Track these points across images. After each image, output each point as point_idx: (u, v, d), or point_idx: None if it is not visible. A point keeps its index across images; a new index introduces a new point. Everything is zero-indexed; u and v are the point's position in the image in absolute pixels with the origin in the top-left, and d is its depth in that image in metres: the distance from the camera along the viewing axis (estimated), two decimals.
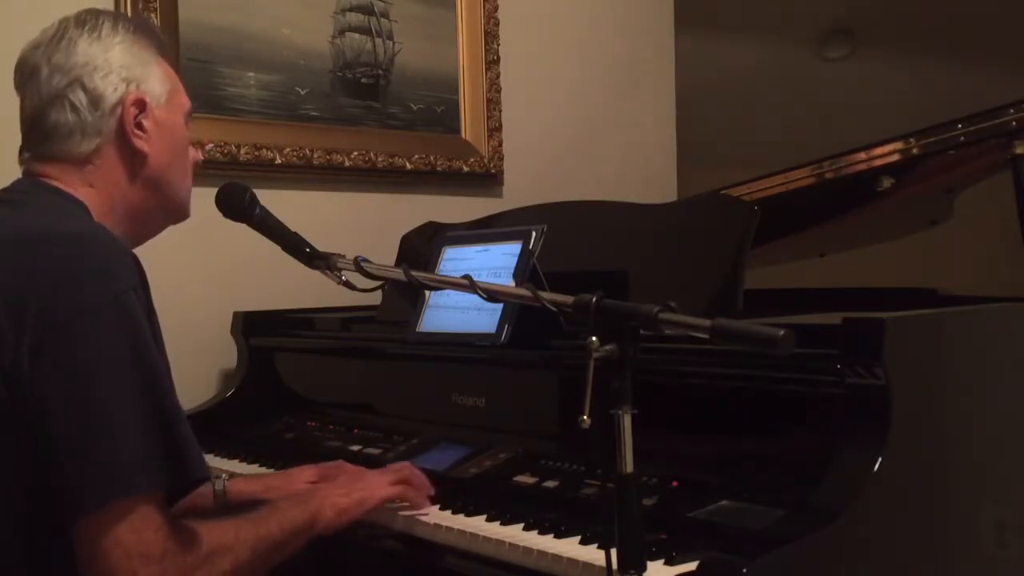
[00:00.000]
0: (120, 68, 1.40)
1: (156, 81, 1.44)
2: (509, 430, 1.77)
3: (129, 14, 2.29)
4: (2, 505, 1.21)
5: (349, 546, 1.62)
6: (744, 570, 1.12)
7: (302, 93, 2.58)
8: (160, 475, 1.21)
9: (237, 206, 1.69)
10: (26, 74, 1.41)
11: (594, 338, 1.10)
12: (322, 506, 1.46)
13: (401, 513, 1.56)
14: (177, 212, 1.53)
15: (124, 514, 1.18)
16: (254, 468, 1.94)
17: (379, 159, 2.69)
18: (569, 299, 1.22)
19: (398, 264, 2.15)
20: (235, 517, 1.39)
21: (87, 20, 1.42)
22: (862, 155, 2.08)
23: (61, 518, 1.19)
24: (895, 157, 2.03)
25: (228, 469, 1.94)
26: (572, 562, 1.30)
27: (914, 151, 2.01)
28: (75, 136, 1.38)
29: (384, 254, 2.10)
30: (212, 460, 2.00)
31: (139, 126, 1.41)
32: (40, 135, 1.39)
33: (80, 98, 1.38)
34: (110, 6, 2.31)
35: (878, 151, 2.06)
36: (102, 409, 1.19)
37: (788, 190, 2.19)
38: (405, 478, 1.59)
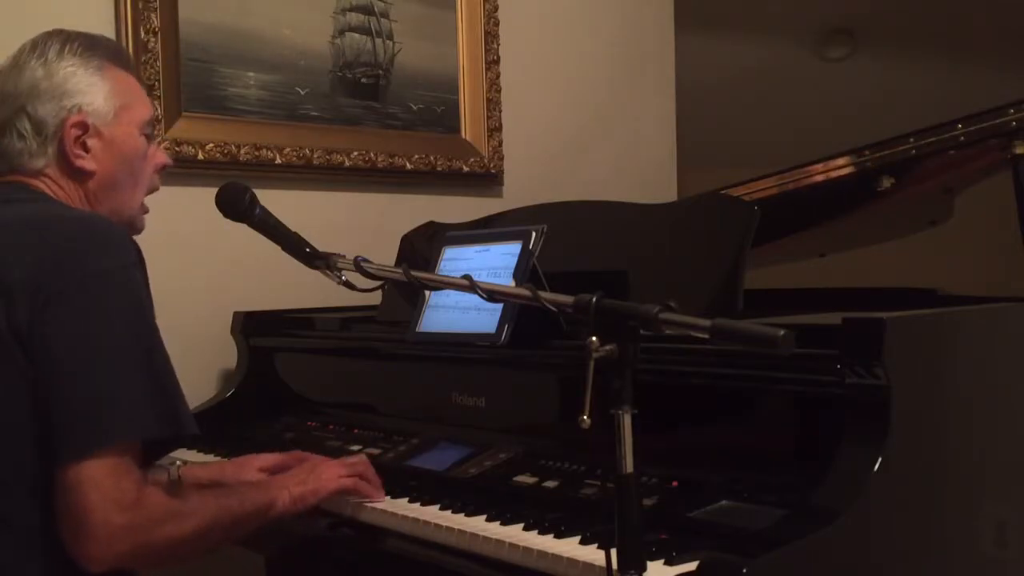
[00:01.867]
0: (61, 95, 1.49)
1: (103, 99, 1.51)
2: (509, 430, 1.77)
3: (129, 14, 2.30)
4: (14, 454, 1.32)
5: (349, 546, 1.62)
6: (744, 570, 1.12)
7: (302, 93, 2.58)
8: (148, 425, 1.33)
9: (237, 206, 1.69)
10: None
11: (594, 338, 1.10)
12: (280, 493, 1.55)
13: (402, 514, 1.56)
14: (129, 225, 1.59)
15: (107, 461, 1.29)
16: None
17: (379, 159, 2.69)
18: (569, 299, 1.22)
19: (398, 264, 2.14)
20: (202, 490, 1.53)
21: (38, 44, 1.52)
22: (861, 155, 2.08)
23: (52, 461, 1.29)
24: (895, 157, 2.03)
25: None
26: (572, 562, 1.30)
27: (914, 151, 2.01)
28: (24, 156, 1.49)
29: (384, 254, 2.10)
30: (212, 460, 2.00)
31: (83, 146, 1.50)
32: (3, 152, 1.50)
33: (25, 125, 1.48)
34: (109, 7, 2.31)
35: (875, 152, 2.06)
36: (100, 361, 1.31)
37: (788, 190, 2.19)
38: (360, 472, 1.65)
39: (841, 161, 2.12)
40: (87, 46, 1.53)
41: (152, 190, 1.63)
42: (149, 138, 1.60)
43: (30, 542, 1.33)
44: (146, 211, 1.63)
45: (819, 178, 2.15)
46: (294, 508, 1.56)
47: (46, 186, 1.51)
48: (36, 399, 1.31)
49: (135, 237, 1.59)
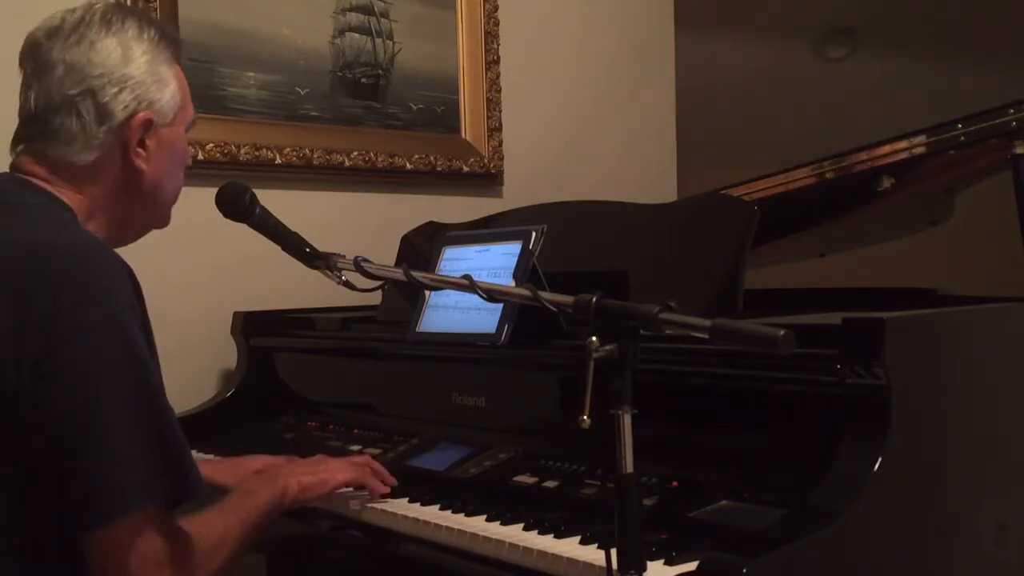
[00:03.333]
0: (135, 85, 1.37)
1: (168, 99, 1.42)
2: (509, 430, 1.77)
3: None
4: (4, 530, 1.22)
5: (350, 546, 1.62)
6: (744, 570, 1.12)
7: (302, 93, 2.58)
8: (163, 486, 1.25)
9: (237, 206, 1.69)
10: (39, 65, 1.37)
11: (594, 338, 1.10)
12: (289, 481, 1.54)
13: (402, 514, 1.56)
14: (159, 221, 1.54)
15: (137, 524, 1.22)
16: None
17: (379, 159, 2.69)
18: (569, 299, 1.22)
19: (398, 264, 2.15)
20: (216, 507, 1.43)
21: (113, 20, 1.38)
22: (863, 155, 2.08)
23: (68, 534, 1.21)
24: (896, 157, 2.03)
25: None
26: (572, 562, 1.30)
27: (914, 151, 2.01)
28: (76, 145, 1.36)
29: (384, 254, 2.10)
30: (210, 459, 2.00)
31: (142, 144, 1.40)
32: (40, 134, 1.37)
33: (88, 108, 1.35)
34: None
35: (879, 151, 2.06)
36: (107, 428, 1.20)
37: (788, 190, 2.19)
38: (366, 470, 1.65)
39: (838, 162, 2.12)
40: (161, 34, 1.43)
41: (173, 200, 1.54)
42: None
43: None
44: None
45: (818, 178, 2.15)
46: (302, 497, 1.56)
47: (74, 186, 1.38)
48: (30, 468, 1.21)
49: (160, 230, 1.54)
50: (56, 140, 1.36)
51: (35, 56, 1.38)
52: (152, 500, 1.24)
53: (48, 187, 1.37)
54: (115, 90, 1.36)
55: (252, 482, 1.57)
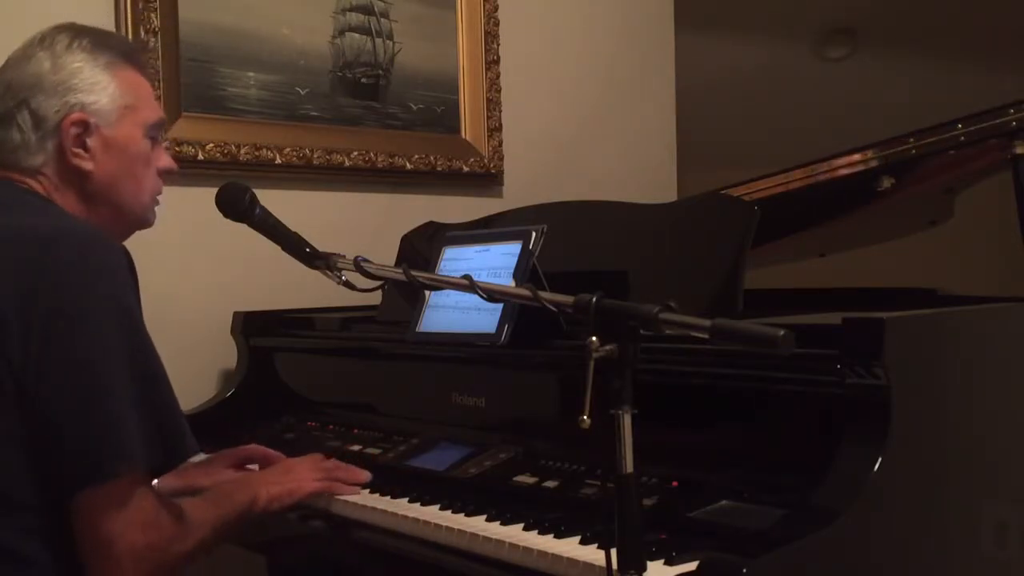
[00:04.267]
0: (64, 90, 1.45)
1: (108, 98, 1.48)
2: (509, 430, 1.77)
3: (129, 14, 2.30)
4: (8, 488, 1.30)
5: (350, 546, 1.62)
6: (744, 570, 1.12)
7: (302, 93, 2.58)
8: (156, 452, 1.34)
9: (237, 206, 1.69)
10: None
11: (594, 338, 1.10)
12: (259, 491, 1.59)
13: (402, 514, 1.56)
14: (135, 224, 1.58)
15: (124, 487, 1.30)
16: (254, 468, 1.94)
17: (379, 159, 2.69)
18: (569, 299, 1.22)
19: (398, 264, 2.15)
20: (196, 499, 1.55)
21: (47, 37, 1.48)
22: (861, 155, 2.08)
23: (60, 494, 1.30)
24: (896, 156, 2.03)
25: None
26: (572, 562, 1.30)
27: (913, 151, 2.01)
28: (20, 152, 1.45)
29: (384, 254, 2.10)
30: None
31: (82, 145, 1.46)
32: None
33: (25, 118, 1.45)
34: (109, 7, 2.31)
35: (877, 151, 2.06)
36: (105, 395, 1.29)
37: (788, 190, 2.19)
38: (333, 476, 1.70)
39: (838, 161, 2.12)
40: (97, 42, 1.49)
41: (156, 193, 1.59)
42: (155, 141, 1.56)
43: (35, 571, 1.31)
44: (156, 204, 1.60)
45: (818, 178, 2.15)
46: (270, 507, 1.60)
47: (40, 185, 1.47)
48: (31, 432, 1.28)
49: (145, 231, 1.60)
50: (5, 150, 1.46)
51: None
52: (141, 465, 1.32)
53: (33, 185, 1.47)
54: (43, 97, 1.44)
55: (228, 485, 1.66)
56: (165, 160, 1.59)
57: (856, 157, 2.09)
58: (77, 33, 1.49)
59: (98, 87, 1.47)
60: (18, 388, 1.27)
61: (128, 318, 1.33)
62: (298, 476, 1.66)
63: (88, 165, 1.47)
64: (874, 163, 2.06)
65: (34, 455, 1.29)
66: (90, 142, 1.47)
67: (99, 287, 1.31)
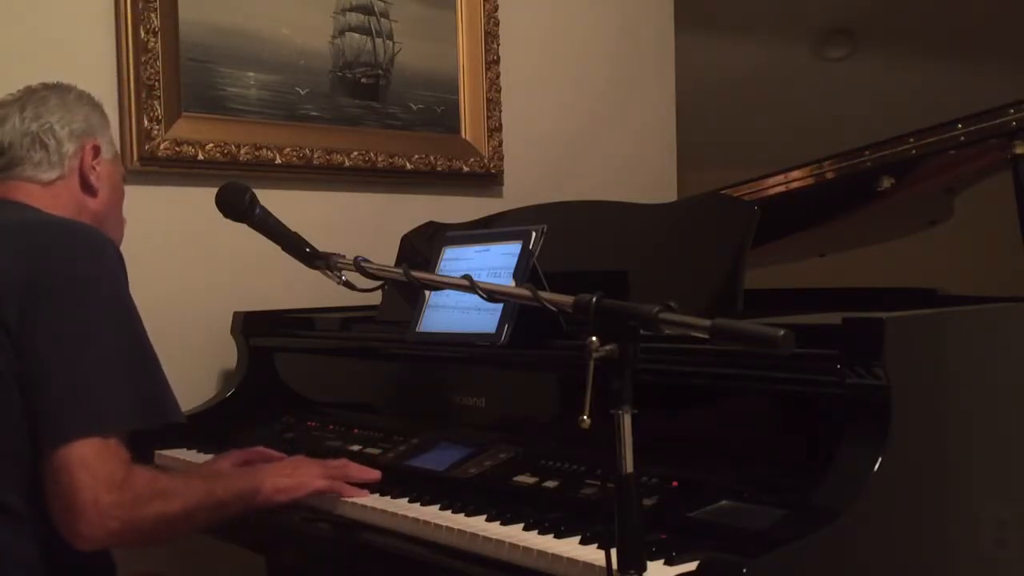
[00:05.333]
0: (80, 123, 1.69)
1: (107, 141, 1.74)
2: (509, 430, 1.77)
3: (129, 14, 2.30)
4: (6, 443, 1.41)
5: (350, 546, 1.62)
6: (744, 570, 1.11)
7: (302, 93, 2.58)
8: (133, 414, 1.44)
9: (237, 206, 1.69)
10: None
11: (594, 338, 1.10)
12: (264, 482, 1.62)
13: (402, 514, 1.56)
14: None
15: (95, 443, 1.38)
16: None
17: (379, 159, 2.69)
18: (569, 299, 1.22)
19: (398, 264, 2.15)
20: (188, 472, 1.68)
21: (57, 87, 1.72)
22: (860, 155, 2.08)
23: (39, 446, 1.39)
24: (896, 156, 2.03)
25: None
26: (572, 562, 1.30)
27: (913, 151, 2.01)
28: (43, 165, 1.65)
29: (384, 254, 2.10)
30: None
31: (94, 168, 1.69)
32: (10, 161, 1.64)
33: (50, 137, 1.65)
34: (110, 7, 2.31)
35: (879, 151, 2.06)
36: (90, 357, 1.42)
37: (788, 190, 2.19)
38: (342, 474, 1.70)
39: (839, 162, 2.12)
40: (93, 102, 1.75)
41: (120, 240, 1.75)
42: None
43: (27, 527, 1.41)
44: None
45: (818, 178, 2.15)
46: (275, 499, 1.62)
47: (41, 199, 1.63)
48: (24, 390, 1.40)
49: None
50: (26, 163, 1.64)
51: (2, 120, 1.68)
52: (117, 424, 1.42)
53: (27, 202, 1.62)
54: (69, 124, 1.68)
55: (232, 469, 1.75)
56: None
57: (856, 157, 2.09)
58: (79, 90, 1.74)
59: (102, 130, 1.74)
60: (15, 350, 1.40)
61: (119, 296, 1.48)
62: (306, 472, 1.68)
63: (97, 184, 1.70)
64: (873, 163, 2.06)
65: (24, 413, 1.40)
66: (99, 168, 1.71)
67: (91, 264, 1.47)
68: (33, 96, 1.69)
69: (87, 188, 1.69)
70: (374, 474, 1.71)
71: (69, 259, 1.47)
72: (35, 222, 1.55)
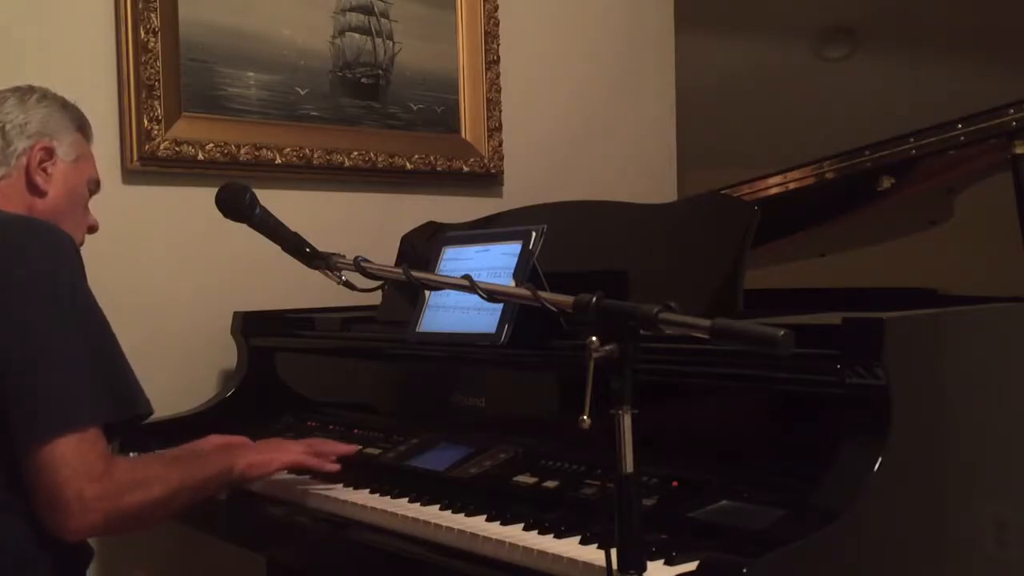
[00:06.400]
0: (36, 124, 1.69)
1: (67, 143, 1.73)
2: (509, 430, 1.77)
3: (129, 14, 2.30)
4: None
5: (349, 546, 1.62)
6: (744, 570, 1.11)
7: (302, 93, 2.58)
8: (105, 409, 1.46)
9: (237, 206, 1.69)
10: None
11: (594, 338, 1.10)
12: (237, 458, 1.68)
13: (402, 514, 1.56)
14: None
15: (72, 441, 1.40)
16: None
17: (379, 159, 2.69)
18: (569, 299, 1.22)
19: (398, 264, 2.15)
20: (163, 456, 1.72)
21: (19, 89, 1.73)
22: (860, 156, 2.08)
23: (15, 447, 1.41)
24: (896, 156, 2.03)
25: None
26: (572, 562, 1.30)
27: (913, 151, 2.01)
28: None
29: (384, 254, 2.10)
30: None
31: (44, 169, 1.69)
32: None
33: None
34: (109, 7, 2.31)
35: (879, 151, 2.06)
36: (53, 354, 1.43)
37: (788, 190, 2.19)
38: (316, 451, 1.78)
39: (839, 162, 2.12)
40: (63, 103, 1.76)
41: (80, 241, 1.73)
42: (90, 195, 1.80)
43: (7, 515, 1.43)
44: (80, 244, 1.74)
45: (818, 178, 2.15)
46: (249, 473, 1.68)
47: None
48: None
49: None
50: None
51: None
52: (92, 419, 1.43)
53: None
54: (21, 123, 1.68)
55: (205, 450, 1.78)
56: (92, 219, 1.82)
57: (857, 156, 2.09)
58: (46, 93, 1.75)
59: (64, 132, 1.73)
60: None
61: (75, 288, 1.48)
62: (279, 448, 1.76)
63: (45, 186, 1.69)
64: (873, 163, 2.06)
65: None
66: (50, 169, 1.70)
67: (52, 262, 1.47)
68: (0, 96, 1.71)
69: (33, 188, 1.68)
70: (348, 448, 1.79)
71: (26, 256, 1.47)
72: None
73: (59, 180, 1.71)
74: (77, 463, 1.40)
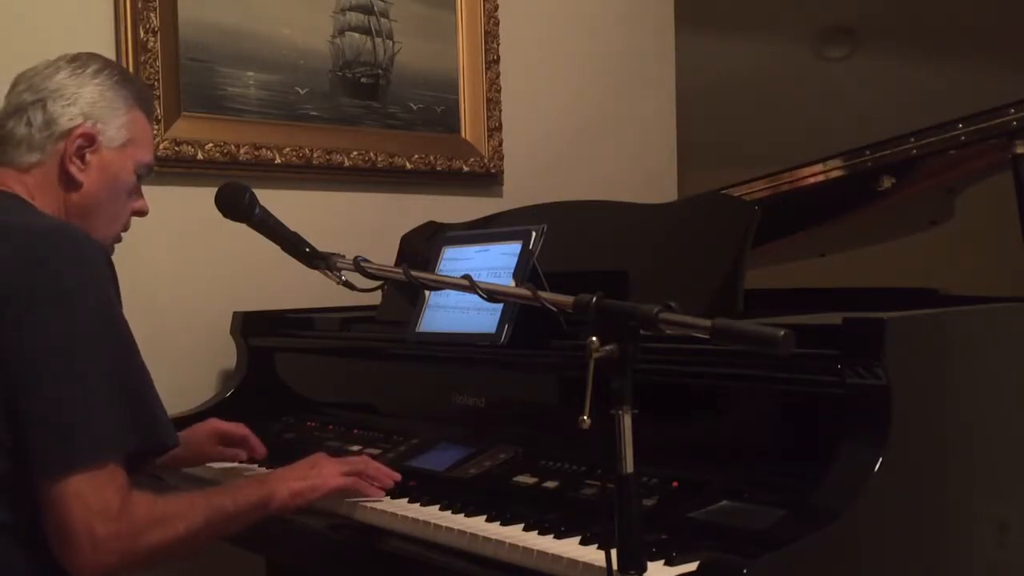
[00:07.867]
0: (84, 103, 1.54)
1: (116, 126, 1.57)
2: (509, 430, 1.77)
3: (128, 14, 2.30)
4: None
5: (349, 546, 1.62)
6: (744, 570, 1.12)
7: (302, 93, 2.58)
8: (127, 440, 1.35)
9: (237, 206, 1.69)
10: (9, 87, 1.57)
11: (594, 338, 1.10)
12: (278, 487, 1.55)
13: (402, 514, 1.56)
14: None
15: (89, 475, 1.31)
16: (254, 468, 1.94)
17: (379, 159, 2.69)
18: (569, 299, 1.22)
19: (398, 264, 2.15)
20: (193, 491, 1.55)
21: (79, 58, 1.58)
22: (860, 156, 2.08)
23: (32, 477, 1.32)
24: (896, 156, 2.03)
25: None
26: (572, 562, 1.30)
27: (914, 151, 2.01)
28: (21, 147, 1.53)
29: (384, 254, 2.10)
30: None
31: (81, 157, 1.55)
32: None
33: (37, 115, 1.52)
34: (109, 6, 2.31)
35: (879, 151, 2.05)
36: (76, 380, 1.32)
37: (788, 190, 2.19)
38: (360, 471, 1.65)
39: (839, 162, 2.12)
40: (124, 78, 1.62)
41: (124, 229, 1.65)
42: (140, 180, 1.64)
43: (18, 543, 1.35)
44: (119, 240, 1.65)
45: (818, 178, 2.15)
46: (292, 503, 1.56)
47: (24, 186, 1.52)
48: (7, 410, 1.31)
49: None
50: (6, 143, 1.53)
51: (11, 86, 1.58)
52: (113, 454, 1.33)
53: (7, 188, 1.52)
54: (64, 103, 1.53)
55: (243, 479, 1.64)
56: (141, 203, 1.66)
57: (857, 156, 2.09)
58: (107, 63, 1.61)
59: (113, 114, 1.57)
60: (1, 368, 1.31)
61: (107, 309, 1.37)
62: (323, 470, 1.61)
63: (81, 176, 1.55)
64: (873, 163, 2.06)
65: (8, 429, 1.32)
66: (89, 157, 1.55)
67: (80, 278, 1.36)
68: (54, 64, 1.56)
69: (67, 178, 1.54)
70: (393, 475, 1.67)
71: (52, 274, 1.35)
72: (14, 225, 1.41)
73: (98, 169, 1.56)
74: (92, 500, 1.30)
